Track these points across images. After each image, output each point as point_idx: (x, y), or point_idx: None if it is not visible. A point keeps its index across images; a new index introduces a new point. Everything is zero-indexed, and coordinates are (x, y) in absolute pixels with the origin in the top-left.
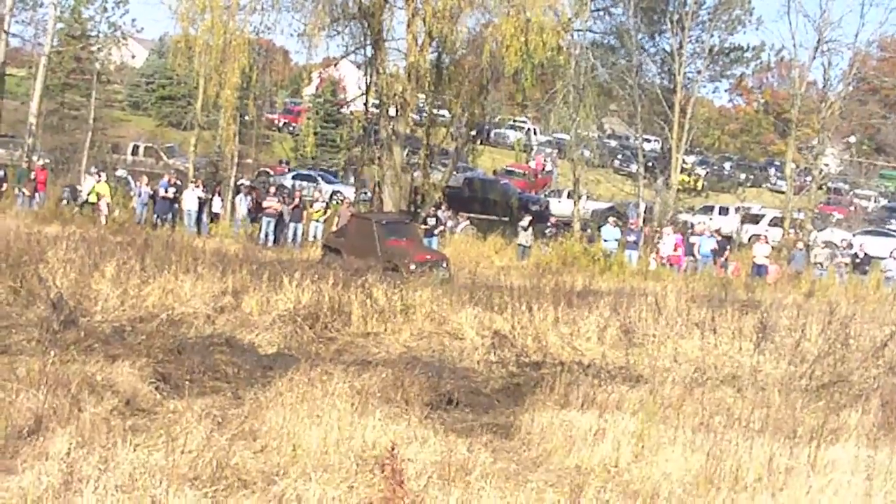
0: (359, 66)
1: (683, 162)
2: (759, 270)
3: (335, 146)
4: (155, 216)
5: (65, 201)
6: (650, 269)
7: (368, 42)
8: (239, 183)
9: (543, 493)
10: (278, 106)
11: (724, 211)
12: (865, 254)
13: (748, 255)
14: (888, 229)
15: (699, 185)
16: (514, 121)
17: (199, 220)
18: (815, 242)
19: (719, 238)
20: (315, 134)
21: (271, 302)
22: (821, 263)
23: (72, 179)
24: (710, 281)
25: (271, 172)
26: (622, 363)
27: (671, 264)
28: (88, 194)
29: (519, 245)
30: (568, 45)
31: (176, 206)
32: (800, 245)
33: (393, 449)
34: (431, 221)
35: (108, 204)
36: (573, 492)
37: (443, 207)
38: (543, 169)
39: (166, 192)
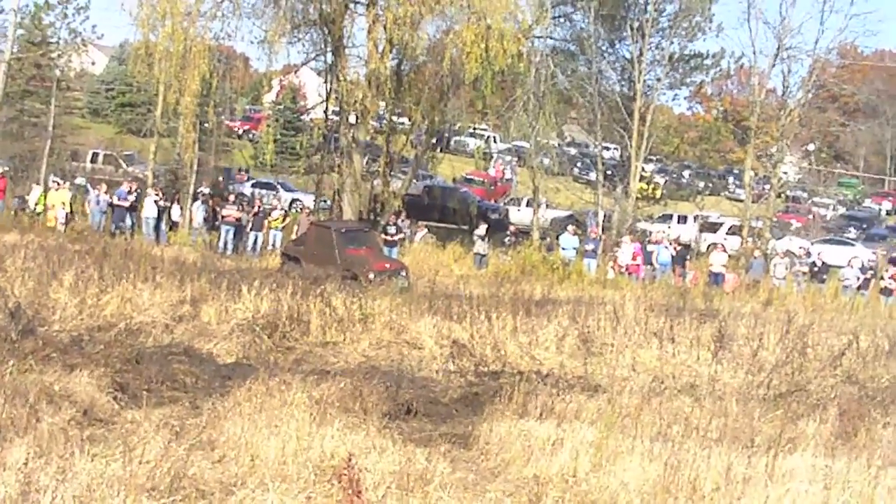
0: (319, 73)
1: (642, 170)
2: (717, 279)
3: (295, 154)
4: (113, 224)
5: (13, 212)
6: (608, 277)
7: (329, 49)
8: (198, 191)
9: (502, 503)
10: (238, 113)
11: (682, 219)
12: (823, 262)
13: (706, 263)
14: (846, 238)
15: (658, 193)
16: (474, 128)
17: (157, 227)
18: (774, 251)
19: (677, 247)
20: (275, 141)
21: (230, 311)
22: (782, 271)
23: (29, 189)
24: (668, 290)
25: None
26: (580, 372)
27: (630, 273)
28: (36, 204)
29: (476, 254)
30: (528, 52)
31: (134, 213)
32: (758, 253)
33: (350, 459)
34: (392, 230)
35: (66, 214)
36: (531, 502)
37: (402, 216)
38: (503, 177)
39: (120, 200)
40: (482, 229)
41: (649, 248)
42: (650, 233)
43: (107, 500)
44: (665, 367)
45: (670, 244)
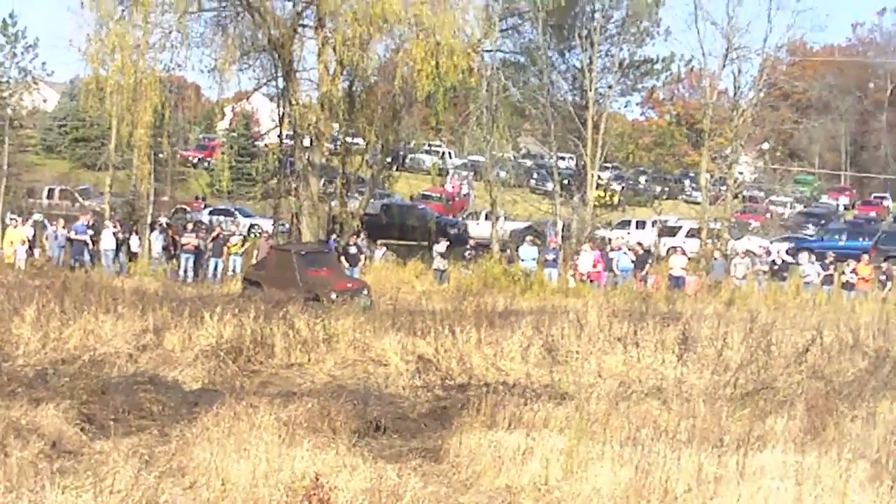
0: (271, 99)
1: (599, 178)
2: (678, 282)
3: (251, 179)
4: (72, 259)
5: None
6: (570, 286)
7: (280, 74)
8: (155, 221)
9: None
10: (192, 142)
11: (641, 225)
12: (783, 260)
13: (667, 267)
14: (805, 235)
15: (615, 199)
16: (429, 145)
17: (117, 259)
18: (734, 251)
19: (640, 252)
20: (230, 168)
21: (193, 338)
22: (743, 270)
23: None
24: (630, 295)
25: (188, 209)
26: (547, 381)
27: (591, 280)
28: None
29: (436, 270)
30: (479, 67)
31: (93, 247)
32: (718, 255)
33: (317, 479)
34: (353, 250)
35: (26, 250)
36: None
37: (361, 235)
38: (460, 192)
39: (78, 234)
40: (442, 246)
41: (610, 255)
42: (609, 240)
43: None
44: (631, 371)
45: (630, 250)
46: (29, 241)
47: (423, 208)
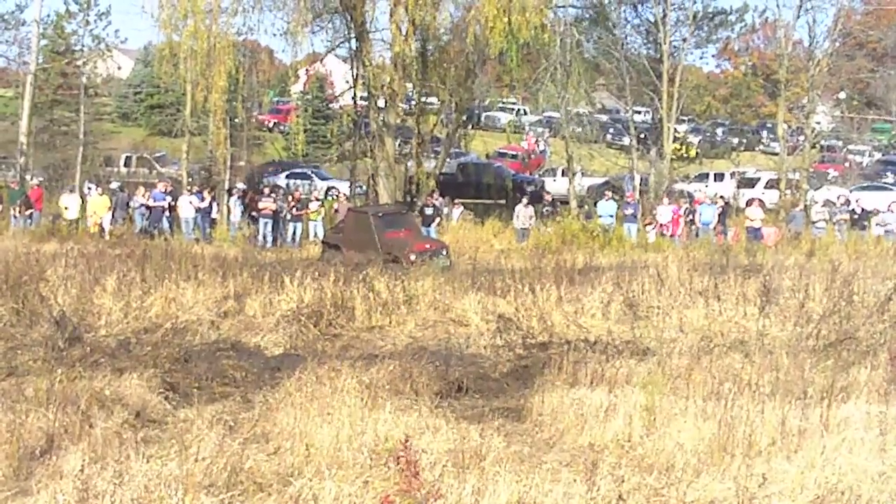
0: (344, 60)
1: (675, 131)
2: (755, 234)
3: (327, 142)
4: (151, 226)
5: (52, 221)
6: (649, 241)
7: (352, 35)
8: (233, 186)
9: (559, 474)
10: (266, 106)
11: (719, 177)
12: (863, 209)
13: (745, 219)
14: (884, 183)
15: (693, 152)
16: (504, 103)
17: (201, 226)
18: (813, 201)
19: (723, 204)
20: (305, 131)
21: (274, 303)
22: (823, 221)
23: (54, 205)
24: (710, 248)
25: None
26: (628, 337)
27: (671, 235)
28: (66, 209)
29: (518, 229)
30: (551, 23)
31: (171, 214)
32: (799, 206)
33: (406, 441)
34: (429, 210)
35: (111, 219)
36: (588, 470)
37: (436, 195)
38: (536, 148)
39: (157, 201)
40: (529, 210)
41: (693, 207)
42: (688, 193)
43: (165, 500)
44: (713, 325)
45: (714, 202)
46: (112, 209)
47: (500, 166)
